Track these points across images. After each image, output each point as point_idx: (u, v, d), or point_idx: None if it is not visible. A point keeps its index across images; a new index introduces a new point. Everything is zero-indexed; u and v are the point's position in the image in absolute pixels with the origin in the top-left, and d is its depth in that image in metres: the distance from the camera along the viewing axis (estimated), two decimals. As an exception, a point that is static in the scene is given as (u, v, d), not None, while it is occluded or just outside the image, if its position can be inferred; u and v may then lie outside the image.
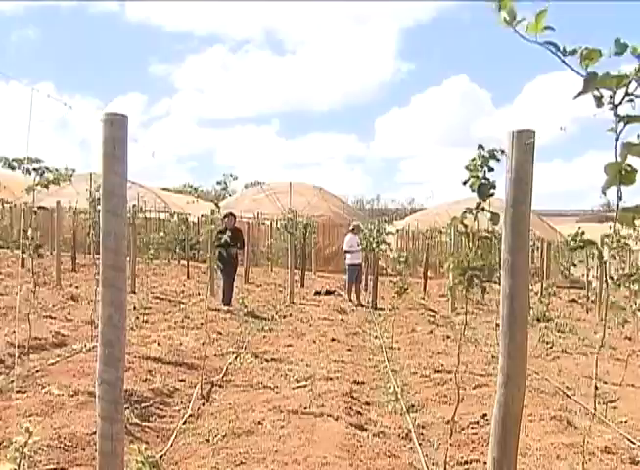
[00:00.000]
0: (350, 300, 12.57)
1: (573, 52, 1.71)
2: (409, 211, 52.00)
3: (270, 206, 26.06)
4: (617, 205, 1.76)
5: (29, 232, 5.75)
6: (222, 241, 9.69)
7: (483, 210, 3.16)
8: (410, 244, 24.58)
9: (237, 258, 10.57)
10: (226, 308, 9.78)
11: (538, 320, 10.19)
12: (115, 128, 2.50)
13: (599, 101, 1.69)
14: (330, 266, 20.82)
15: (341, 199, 33.07)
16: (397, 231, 25.05)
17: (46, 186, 5.29)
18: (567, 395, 5.35)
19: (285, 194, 26.24)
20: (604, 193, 1.75)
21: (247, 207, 26.33)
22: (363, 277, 15.29)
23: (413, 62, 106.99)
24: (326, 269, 20.65)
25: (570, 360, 7.17)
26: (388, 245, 14.98)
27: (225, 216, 10.36)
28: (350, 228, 13.12)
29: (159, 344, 6.51)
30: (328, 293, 14.03)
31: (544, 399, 5.13)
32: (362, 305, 12.16)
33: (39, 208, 6.13)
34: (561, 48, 1.73)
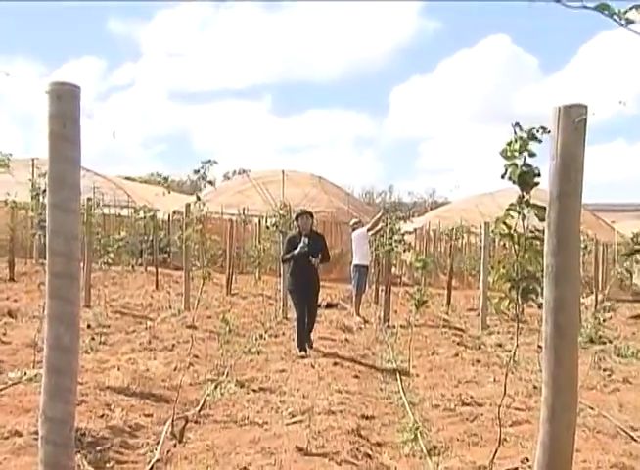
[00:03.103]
0: (358, 314, 12.56)
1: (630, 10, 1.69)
2: (430, 205, 52.17)
3: (258, 199, 26.10)
4: None
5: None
6: (296, 251, 8.33)
7: (528, 204, 3.14)
8: (431, 246, 24.60)
9: (318, 277, 9.19)
10: (301, 354, 8.31)
11: (592, 341, 10.17)
12: (65, 102, 2.50)
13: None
14: (332, 274, 20.81)
15: (345, 191, 33.18)
16: (415, 230, 25.10)
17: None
18: (631, 437, 5.32)
19: (276, 184, 26.33)
20: None
21: (229, 200, 26.37)
22: (373, 286, 15.32)
23: (440, 20, 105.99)
24: (327, 277, 20.65)
25: (634, 393, 7.14)
26: (409, 246, 15.00)
27: (298, 216, 8.90)
28: (352, 225, 13.18)
29: (119, 370, 6.50)
30: (329, 306, 14.03)
31: (602, 442, 5.11)
32: (366, 321, 12.17)
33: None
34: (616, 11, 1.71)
